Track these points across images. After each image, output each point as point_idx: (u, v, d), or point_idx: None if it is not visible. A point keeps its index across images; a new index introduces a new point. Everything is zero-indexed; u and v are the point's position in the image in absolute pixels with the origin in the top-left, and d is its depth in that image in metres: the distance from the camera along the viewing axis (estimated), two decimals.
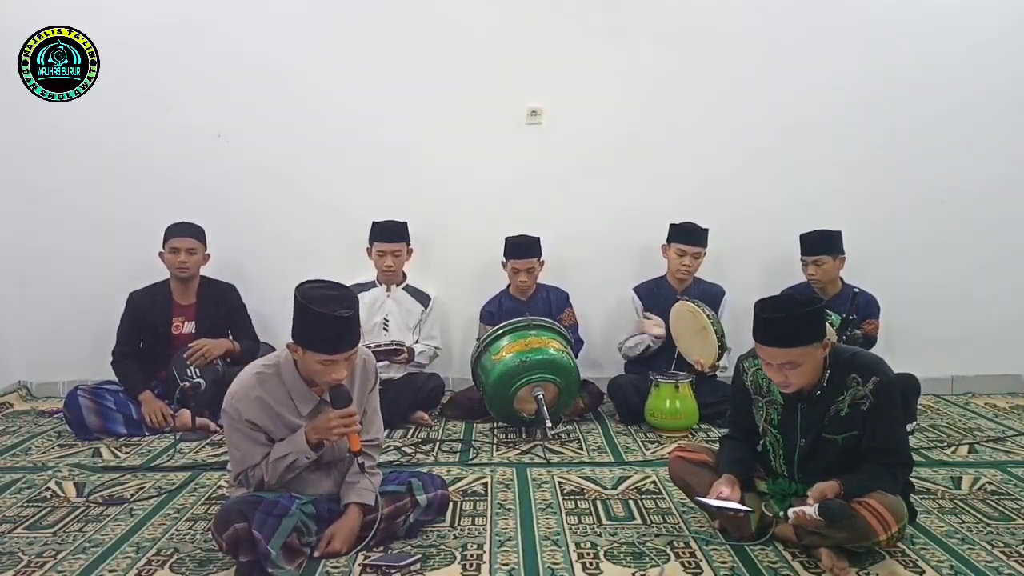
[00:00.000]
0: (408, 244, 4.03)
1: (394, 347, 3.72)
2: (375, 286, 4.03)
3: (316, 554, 2.24)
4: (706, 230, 3.95)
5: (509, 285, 4.10)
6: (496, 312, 4.00)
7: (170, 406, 3.58)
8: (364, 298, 4.00)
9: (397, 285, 4.04)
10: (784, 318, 2.12)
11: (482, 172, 4.30)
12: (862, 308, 3.65)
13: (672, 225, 3.99)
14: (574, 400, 3.70)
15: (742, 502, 2.29)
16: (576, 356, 3.79)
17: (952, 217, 4.33)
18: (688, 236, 3.94)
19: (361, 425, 2.30)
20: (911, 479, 2.42)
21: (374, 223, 3.98)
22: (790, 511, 2.18)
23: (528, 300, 4.05)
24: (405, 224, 4.00)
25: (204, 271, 3.87)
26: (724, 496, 2.25)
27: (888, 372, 2.23)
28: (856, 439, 2.22)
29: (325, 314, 2.10)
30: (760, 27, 4.25)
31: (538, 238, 4.00)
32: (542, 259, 4.03)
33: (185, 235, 3.74)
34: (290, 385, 2.25)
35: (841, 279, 3.88)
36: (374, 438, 2.45)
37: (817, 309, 2.19)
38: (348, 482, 2.35)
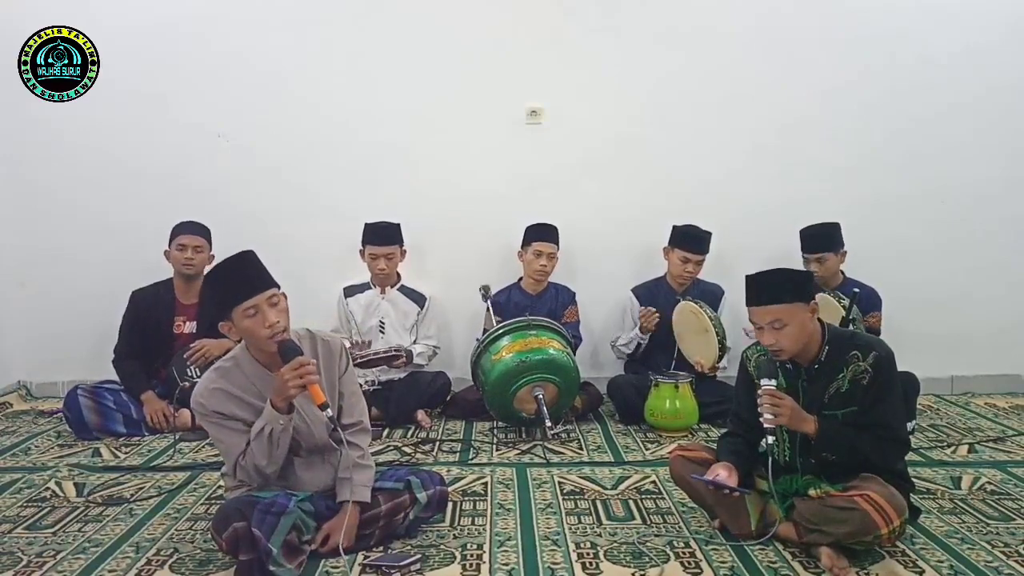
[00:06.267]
0: (401, 246, 4.00)
1: (392, 353, 3.70)
2: (369, 288, 4.02)
3: (312, 547, 2.22)
4: (709, 234, 3.93)
5: (520, 279, 4.10)
6: (504, 303, 4.00)
7: (170, 406, 3.59)
8: (359, 300, 4.01)
9: (391, 286, 4.02)
10: (767, 276, 2.30)
11: (482, 172, 4.29)
12: (864, 302, 3.65)
13: (675, 228, 3.96)
14: (574, 400, 3.70)
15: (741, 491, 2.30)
16: (574, 352, 3.78)
17: (952, 216, 4.33)
18: (693, 243, 3.90)
19: (342, 409, 2.36)
20: (912, 479, 2.42)
21: (366, 225, 3.95)
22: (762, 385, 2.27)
23: (537, 295, 4.05)
24: (398, 226, 3.98)
25: (206, 271, 3.88)
26: (721, 478, 2.27)
27: (887, 348, 2.30)
28: (856, 415, 2.25)
29: (220, 265, 2.25)
30: (760, 27, 4.25)
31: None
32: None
33: (193, 233, 3.79)
34: (250, 374, 2.28)
35: (842, 272, 3.87)
36: (358, 420, 2.42)
37: (801, 273, 2.37)
38: (342, 478, 2.34)
